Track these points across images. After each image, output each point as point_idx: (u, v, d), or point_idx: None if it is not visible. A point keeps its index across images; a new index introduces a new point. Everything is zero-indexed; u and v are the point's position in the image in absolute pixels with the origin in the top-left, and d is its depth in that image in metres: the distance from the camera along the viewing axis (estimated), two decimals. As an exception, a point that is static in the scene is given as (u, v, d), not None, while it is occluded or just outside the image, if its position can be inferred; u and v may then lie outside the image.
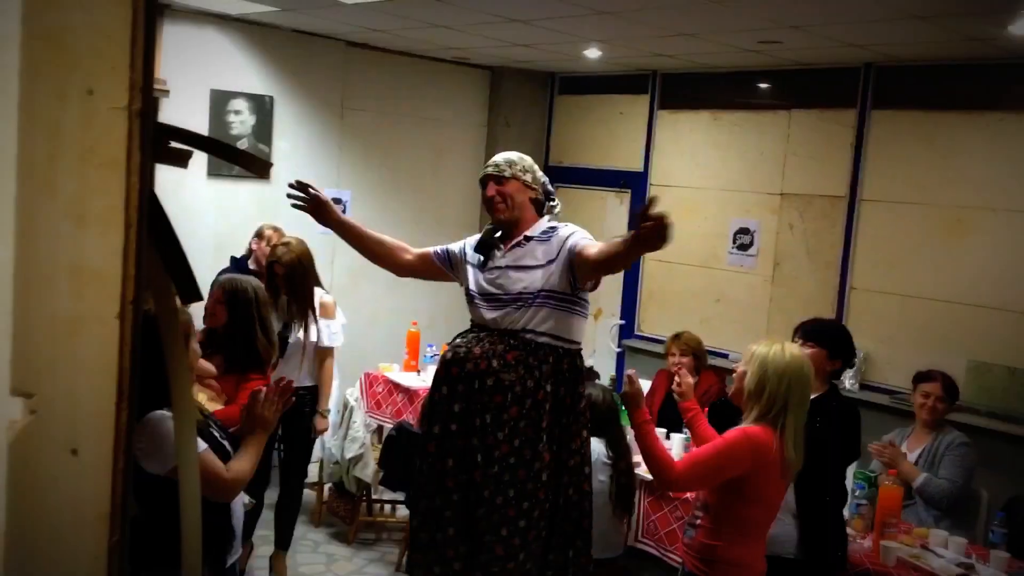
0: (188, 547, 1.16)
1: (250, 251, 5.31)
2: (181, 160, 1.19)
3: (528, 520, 2.98)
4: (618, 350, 6.84)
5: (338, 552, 4.99)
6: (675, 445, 4.46)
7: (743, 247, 6.12)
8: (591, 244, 3.01)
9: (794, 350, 2.88)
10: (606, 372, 6.17)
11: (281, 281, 4.43)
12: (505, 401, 2.97)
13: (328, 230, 3.36)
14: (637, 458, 4.32)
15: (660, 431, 4.65)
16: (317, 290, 4.55)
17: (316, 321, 4.47)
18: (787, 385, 2.78)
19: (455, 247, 3.38)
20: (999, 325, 4.93)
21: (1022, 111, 4.93)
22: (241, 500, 2.69)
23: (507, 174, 3.14)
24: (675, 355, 5.05)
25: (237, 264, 5.29)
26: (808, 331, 3.42)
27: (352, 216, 6.49)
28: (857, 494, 3.86)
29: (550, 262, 3.09)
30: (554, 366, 3.03)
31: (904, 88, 5.39)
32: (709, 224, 6.33)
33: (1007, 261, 4.93)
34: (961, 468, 4.01)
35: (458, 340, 3.12)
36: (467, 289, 3.24)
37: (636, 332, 6.81)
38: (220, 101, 5.93)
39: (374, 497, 5.42)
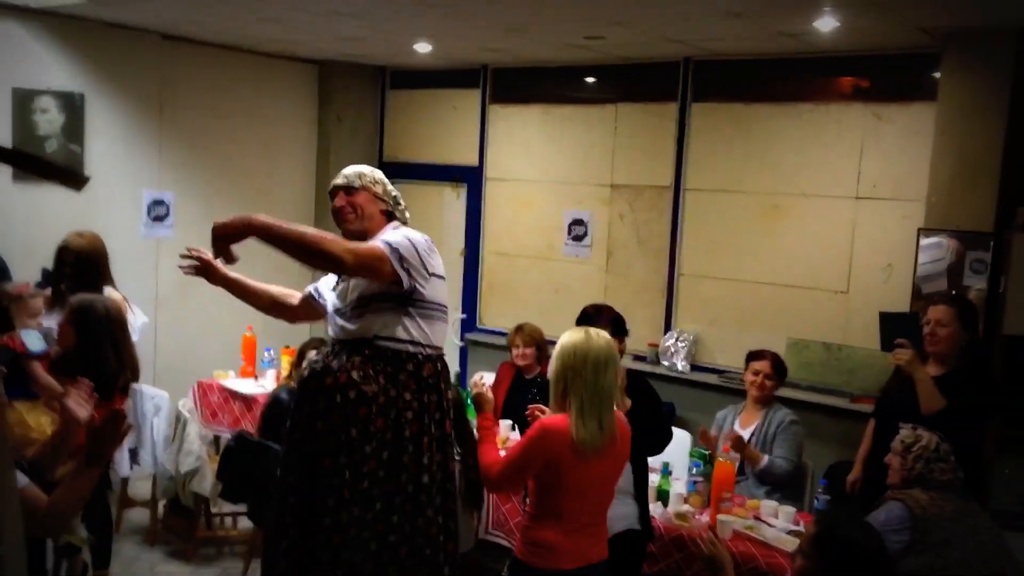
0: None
1: None
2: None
3: (398, 535, 2.93)
4: (460, 344, 6.85)
5: (177, 571, 4.75)
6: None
7: (578, 238, 6.25)
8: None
9: (599, 332, 2.92)
10: (450, 367, 6.14)
11: (69, 270, 4.15)
12: (370, 413, 2.89)
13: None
14: (484, 452, 4.36)
15: (506, 422, 4.71)
16: (107, 288, 4.28)
17: None
18: (570, 359, 2.86)
19: (325, 285, 3.29)
20: (814, 304, 5.27)
21: (829, 102, 5.27)
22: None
23: (356, 184, 3.08)
24: (519, 347, 5.10)
25: (47, 277, 4.91)
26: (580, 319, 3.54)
27: (175, 218, 6.21)
28: (693, 472, 4.03)
29: None
30: (414, 372, 2.96)
31: (721, 81, 5.66)
32: (545, 216, 6.43)
33: (818, 243, 5.27)
34: (794, 446, 4.26)
35: (313, 355, 3.06)
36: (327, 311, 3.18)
37: (478, 325, 6.84)
38: (24, 100, 5.50)
39: (213, 511, 5.19)
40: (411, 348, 2.96)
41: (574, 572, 2.89)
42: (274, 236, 2.77)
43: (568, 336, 2.92)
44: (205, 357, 5.91)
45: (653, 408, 3.52)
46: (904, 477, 3.32)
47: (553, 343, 5.65)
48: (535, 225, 6.49)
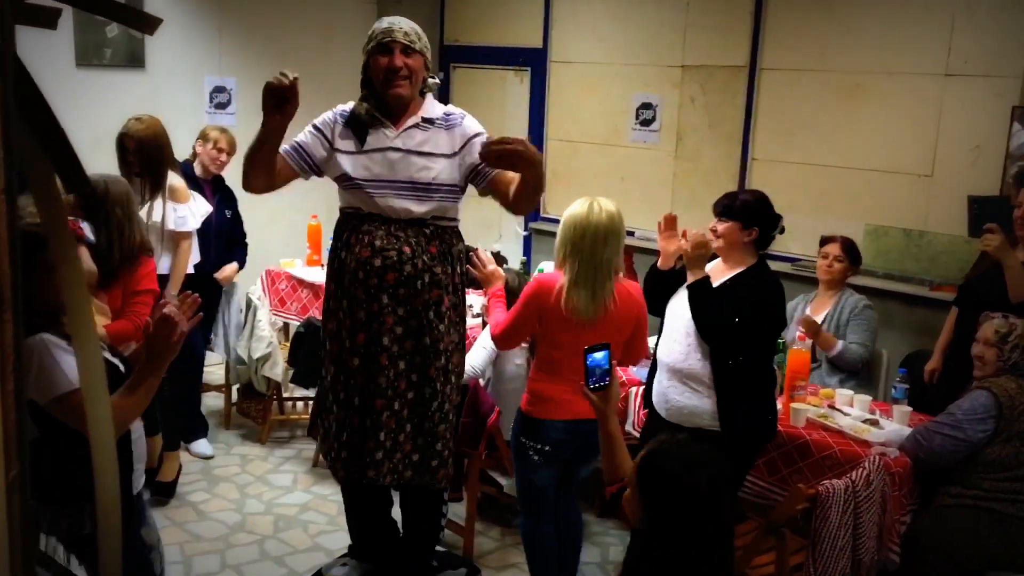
0: (102, 484, 1.02)
1: (194, 154, 4.81)
2: (48, 20, 0.99)
3: (456, 407, 3.20)
4: (524, 233, 6.78)
5: (252, 452, 4.89)
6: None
7: (646, 123, 6.05)
8: (503, 177, 2.94)
9: (602, 205, 3.04)
10: (514, 256, 6.11)
11: (132, 157, 4.14)
12: (442, 295, 2.97)
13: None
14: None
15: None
16: (171, 174, 4.26)
17: (165, 203, 4.20)
18: (569, 232, 3.03)
19: (308, 139, 3.00)
20: (894, 189, 5.05)
21: (917, -27, 4.92)
22: (140, 426, 2.52)
23: (417, 46, 2.89)
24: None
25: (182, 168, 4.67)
26: (717, 207, 3.39)
27: (236, 105, 6.15)
28: (767, 360, 3.95)
29: (453, 154, 2.97)
30: (456, 247, 3.07)
31: (802, -48, 5.30)
32: (611, 101, 6.22)
33: (901, 124, 5.00)
34: (868, 332, 4.14)
35: (373, 240, 2.89)
36: (344, 176, 2.96)
37: (541, 214, 6.75)
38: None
39: (285, 395, 5.31)
40: (457, 226, 3.08)
41: (567, 424, 3.12)
42: (538, 176, 2.73)
43: (572, 208, 3.08)
44: (271, 246, 5.93)
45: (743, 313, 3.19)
46: (1000, 368, 3.21)
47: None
48: (601, 110, 6.29)
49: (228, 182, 4.85)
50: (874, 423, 3.57)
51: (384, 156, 2.92)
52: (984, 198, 4.10)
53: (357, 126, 2.95)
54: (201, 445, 4.83)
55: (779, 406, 3.69)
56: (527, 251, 6.74)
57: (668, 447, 1.93)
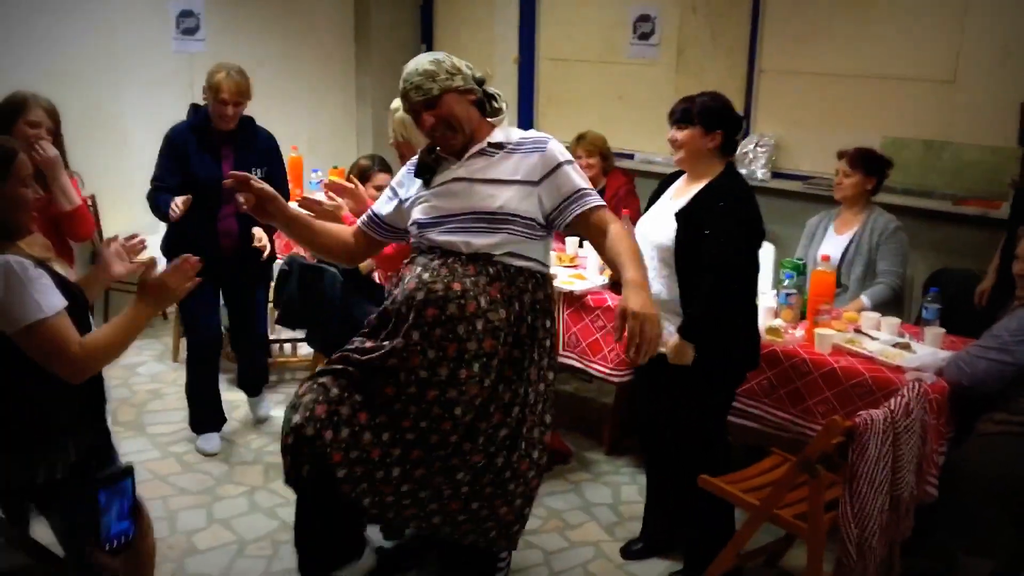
0: None
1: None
2: None
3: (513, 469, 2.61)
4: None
5: (238, 398, 4.62)
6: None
7: (644, 36, 5.69)
8: (601, 218, 2.48)
9: None
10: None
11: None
12: (497, 347, 2.46)
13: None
14: (554, 269, 4.05)
15: (572, 240, 4.39)
16: None
17: None
18: None
19: (386, 205, 2.68)
20: (914, 97, 4.72)
21: None
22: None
23: (435, 91, 2.45)
24: (581, 157, 4.71)
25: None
26: (675, 114, 3.05)
27: (206, 31, 5.74)
28: (786, 284, 3.68)
29: (530, 182, 2.49)
30: (533, 295, 2.54)
31: None
32: (607, 14, 5.84)
33: (922, 27, 4.65)
34: (899, 256, 3.88)
35: (423, 273, 2.46)
36: (414, 224, 2.57)
37: (535, 139, 6.40)
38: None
39: (272, 338, 5.03)
40: (534, 267, 2.54)
41: None
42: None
43: None
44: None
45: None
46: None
47: (619, 154, 5.30)
48: (596, 25, 5.91)
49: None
50: (905, 347, 3.31)
51: (448, 189, 2.52)
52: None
53: (425, 172, 2.59)
54: (210, 440, 4.21)
55: (800, 331, 3.45)
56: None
57: None
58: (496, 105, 2.58)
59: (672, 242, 2.93)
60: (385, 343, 2.50)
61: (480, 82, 2.57)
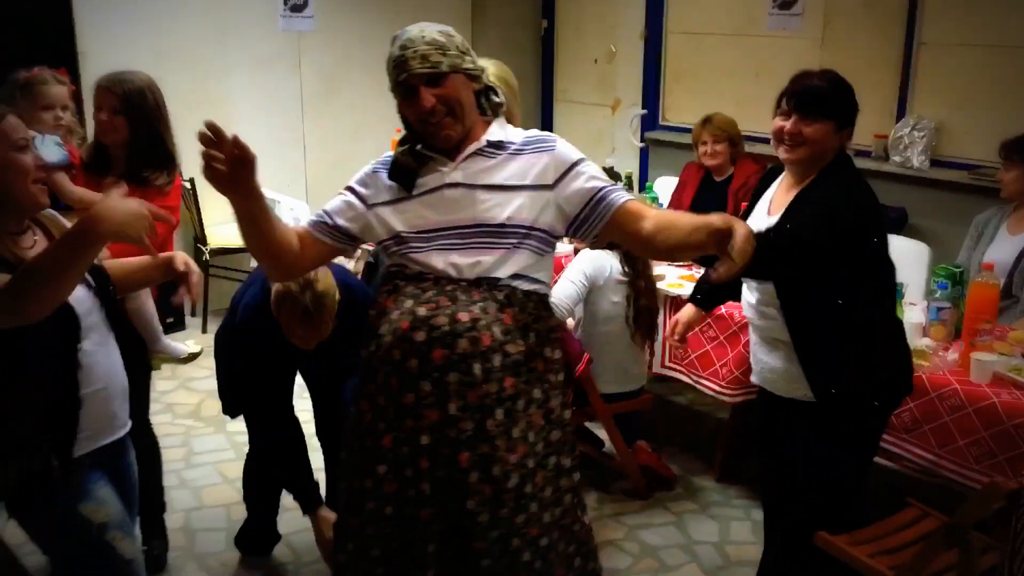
0: None
1: None
2: None
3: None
4: (641, 145, 5.95)
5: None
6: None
7: (785, 5, 5.10)
8: (637, 207, 2.03)
9: None
10: (627, 171, 5.32)
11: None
12: (518, 384, 2.02)
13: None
14: (659, 270, 3.59)
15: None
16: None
17: None
18: None
19: (337, 203, 2.15)
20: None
21: None
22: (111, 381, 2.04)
23: (443, 66, 2.00)
24: (707, 143, 4.30)
25: None
26: (798, 98, 2.42)
27: (314, 7, 5.54)
28: (938, 295, 3.08)
29: (541, 187, 2.05)
30: (546, 323, 2.11)
31: None
32: (743, -18, 5.28)
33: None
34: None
35: (417, 308, 2.00)
36: (393, 238, 2.08)
37: (660, 123, 5.89)
38: None
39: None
40: (541, 289, 2.09)
41: None
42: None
43: None
44: (354, 165, 5.37)
45: None
46: None
47: (754, 138, 4.74)
48: (731, -7, 5.36)
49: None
50: (1088, 381, 2.68)
51: (441, 196, 2.07)
52: None
53: (404, 174, 2.11)
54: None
55: (953, 354, 2.85)
56: (643, 167, 5.94)
57: None
58: (496, 100, 2.13)
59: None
60: (390, 411, 2.05)
61: (481, 71, 2.12)
